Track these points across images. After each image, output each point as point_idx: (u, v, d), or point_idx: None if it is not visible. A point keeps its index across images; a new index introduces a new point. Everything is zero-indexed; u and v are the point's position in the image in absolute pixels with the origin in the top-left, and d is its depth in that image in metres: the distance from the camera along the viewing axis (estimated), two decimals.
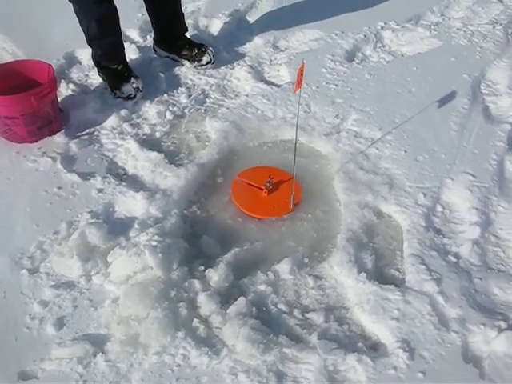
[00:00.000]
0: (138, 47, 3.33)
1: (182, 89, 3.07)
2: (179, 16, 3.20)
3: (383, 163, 2.59)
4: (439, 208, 2.40)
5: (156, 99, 2.97)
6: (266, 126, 2.81)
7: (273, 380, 1.79)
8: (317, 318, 2.00)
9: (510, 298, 2.06)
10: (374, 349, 1.93)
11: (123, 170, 2.59)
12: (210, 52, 3.15)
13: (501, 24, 3.57)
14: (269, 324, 1.97)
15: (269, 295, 2.07)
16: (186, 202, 2.44)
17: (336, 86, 3.06)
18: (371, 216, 2.37)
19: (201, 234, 2.31)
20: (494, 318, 1.97)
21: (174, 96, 3.02)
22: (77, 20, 2.87)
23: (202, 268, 2.14)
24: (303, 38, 3.49)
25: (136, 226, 2.26)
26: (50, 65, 2.76)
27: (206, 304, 1.99)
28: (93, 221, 2.28)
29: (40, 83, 2.68)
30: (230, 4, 3.72)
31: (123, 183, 2.48)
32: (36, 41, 3.35)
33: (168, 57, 3.28)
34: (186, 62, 3.22)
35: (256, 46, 3.42)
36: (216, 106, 2.96)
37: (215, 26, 3.58)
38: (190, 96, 3.02)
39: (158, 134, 2.79)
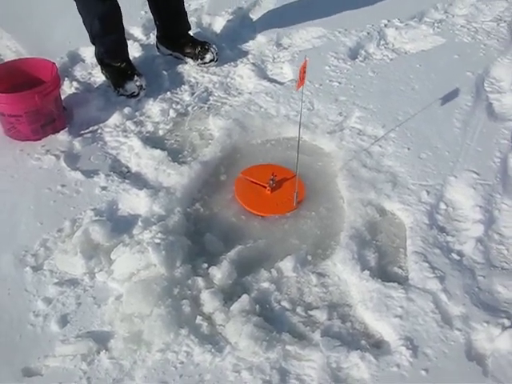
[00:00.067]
0: (141, 45, 3.34)
1: (185, 87, 3.07)
2: (182, 14, 3.20)
3: (386, 161, 2.58)
4: (442, 206, 2.39)
5: (159, 97, 2.98)
6: (269, 124, 2.81)
7: (276, 377, 1.79)
8: (320, 316, 2.00)
9: None
10: (377, 346, 1.93)
11: (126, 167, 2.60)
12: (213, 50, 3.15)
13: (505, 21, 3.55)
14: (272, 321, 1.97)
15: (272, 293, 2.07)
16: (189, 199, 2.45)
17: (339, 83, 3.05)
18: (374, 213, 2.37)
19: (204, 232, 2.31)
20: (497, 315, 1.97)
21: (177, 94, 3.03)
22: (80, 18, 2.88)
23: (206, 265, 2.14)
24: (306, 35, 3.49)
25: (139, 223, 2.26)
26: (54, 63, 2.76)
27: (209, 301, 1.99)
28: (96, 218, 2.28)
29: (43, 81, 2.69)
30: (233, 2, 3.71)
31: (126, 181, 2.48)
32: (39, 39, 3.35)
33: (171, 55, 3.28)
34: (189, 60, 3.22)
35: (259, 43, 3.42)
36: (219, 104, 2.96)
37: (218, 24, 3.57)
38: (193, 94, 3.03)
39: (161, 132, 2.79)
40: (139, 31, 3.47)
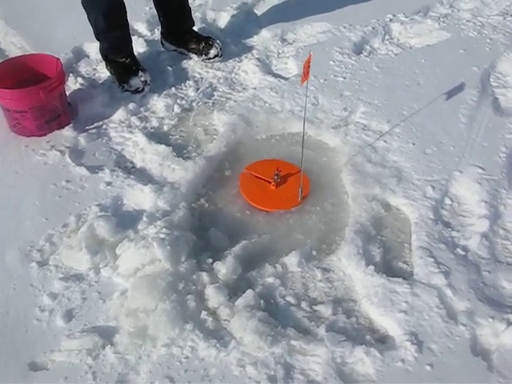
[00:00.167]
0: (145, 41, 3.34)
1: (190, 82, 3.07)
2: (186, 10, 3.20)
3: (391, 156, 2.58)
4: (448, 201, 2.39)
5: (164, 92, 2.98)
6: (273, 119, 2.81)
7: (280, 372, 1.79)
8: (325, 311, 2.00)
9: None
10: (382, 341, 1.93)
11: (131, 163, 2.60)
12: (217, 45, 3.15)
13: (511, 15, 3.54)
14: (277, 316, 1.97)
15: (277, 288, 2.07)
16: (194, 194, 2.45)
17: (344, 78, 3.05)
18: (379, 209, 2.36)
19: (209, 227, 2.31)
20: (502, 311, 1.97)
21: (181, 89, 3.03)
22: (85, 14, 2.88)
23: (210, 261, 2.14)
24: (311, 30, 3.48)
25: (144, 218, 2.27)
26: (58, 58, 2.77)
27: (214, 296, 2.00)
28: (101, 214, 2.29)
29: (48, 77, 2.69)
30: None
31: (131, 176, 2.48)
32: (44, 35, 3.36)
33: (175, 50, 3.28)
34: (194, 56, 3.22)
35: (264, 39, 3.42)
36: (224, 99, 2.96)
37: (223, 20, 3.57)
38: (197, 89, 3.02)
39: (165, 128, 2.80)
40: (144, 27, 3.48)
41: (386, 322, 1.97)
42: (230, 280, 2.08)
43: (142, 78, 2.93)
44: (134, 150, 2.64)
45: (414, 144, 2.63)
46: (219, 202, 2.45)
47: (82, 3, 2.83)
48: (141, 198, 2.39)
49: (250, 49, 3.32)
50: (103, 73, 3.11)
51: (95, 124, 2.80)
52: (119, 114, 2.83)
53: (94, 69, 3.16)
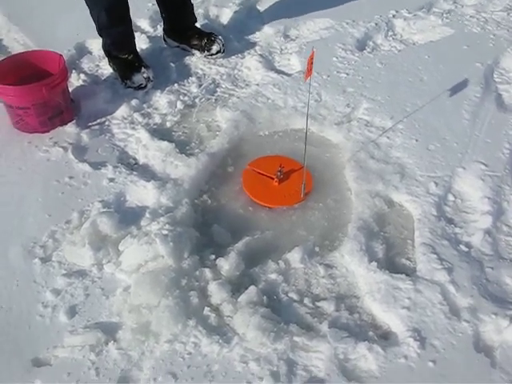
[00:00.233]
0: (148, 37, 3.33)
1: (193, 78, 3.07)
2: (188, 6, 3.19)
3: (394, 152, 2.57)
4: (451, 197, 2.38)
5: (167, 89, 2.98)
6: (276, 115, 2.81)
7: (283, 368, 1.80)
8: (327, 307, 2.00)
9: None
10: (385, 338, 1.93)
11: (134, 159, 2.60)
12: (219, 41, 3.15)
13: None
14: (279, 312, 1.97)
15: (280, 284, 2.07)
16: (196, 191, 2.45)
17: (347, 74, 3.04)
18: (382, 205, 2.36)
19: (212, 223, 2.31)
20: (505, 307, 1.96)
21: (184, 86, 3.02)
22: (87, 10, 2.88)
23: (213, 257, 2.14)
24: (314, 26, 3.48)
25: (147, 215, 2.27)
26: (61, 55, 2.77)
27: (216, 292, 2.00)
28: (104, 210, 2.29)
29: (51, 73, 2.69)
30: None
31: (134, 173, 2.48)
32: (47, 31, 3.36)
33: (178, 47, 3.28)
34: (196, 52, 3.21)
35: (266, 35, 3.41)
36: (226, 96, 2.96)
37: (225, 16, 3.57)
38: (200, 86, 3.02)
39: (168, 124, 2.79)
40: (146, 23, 3.47)
41: (389, 318, 1.97)
42: (232, 276, 2.08)
43: (145, 75, 2.93)
44: (137, 146, 2.64)
45: (417, 140, 2.62)
46: (222, 199, 2.45)
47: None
48: (144, 194, 2.39)
49: (252, 45, 3.32)
50: (106, 69, 3.10)
51: (98, 120, 2.80)
52: (122, 111, 2.83)
53: (97, 65, 3.16)
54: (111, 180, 2.45)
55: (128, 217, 2.28)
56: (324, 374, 1.79)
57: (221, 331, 1.91)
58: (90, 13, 2.88)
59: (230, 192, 2.48)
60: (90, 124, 2.78)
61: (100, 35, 2.98)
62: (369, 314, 2.01)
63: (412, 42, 3.33)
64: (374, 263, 2.10)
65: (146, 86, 2.94)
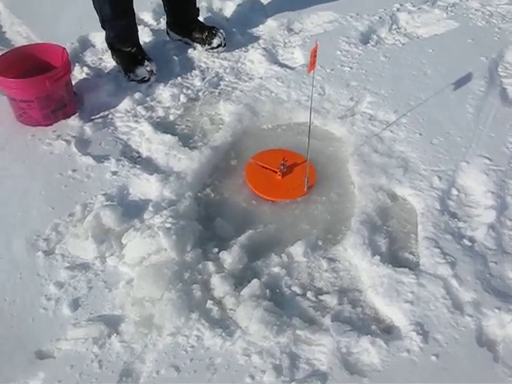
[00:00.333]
0: (151, 30, 3.33)
1: (196, 72, 3.06)
2: (190, 0, 3.18)
3: (398, 146, 2.57)
4: (454, 191, 2.38)
5: (170, 82, 2.97)
6: (280, 109, 2.80)
7: (286, 361, 1.80)
8: (330, 301, 2.00)
9: None
10: (388, 331, 1.92)
11: (137, 152, 2.60)
12: (220, 35, 3.13)
13: None
14: (282, 306, 1.97)
15: (282, 277, 2.07)
16: (199, 184, 2.45)
17: (351, 68, 3.03)
18: (385, 199, 2.35)
19: (215, 217, 2.31)
20: (508, 301, 1.96)
21: (187, 79, 3.02)
22: (91, 3, 2.87)
23: (216, 250, 2.14)
24: (318, 20, 3.46)
25: (150, 208, 2.27)
26: (64, 48, 2.76)
27: (219, 286, 2.00)
28: (107, 203, 2.29)
29: (54, 66, 2.69)
30: None
31: (137, 166, 2.48)
32: (50, 24, 3.35)
33: (181, 40, 3.27)
34: (198, 46, 3.20)
35: (270, 28, 3.40)
36: (230, 89, 2.95)
37: (229, 9, 3.55)
38: (203, 79, 3.02)
39: (171, 117, 2.79)
40: (149, 16, 3.46)
41: (392, 312, 1.97)
42: (235, 269, 2.08)
43: (148, 68, 2.92)
44: (140, 139, 2.64)
45: (420, 134, 2.62)
46: (225, 192, 2.45)
47: None
48: (147, 187, 2.39)
49: (256, 38, 3.31)
50: (109, 62, 3.10)
51: (101, 113, 2.80)
52: (125, 104, 2.83)
53: (100, 58, 3.15)
54: (114, 173, 2.45)
55: (131, 210, 2.28)
56: (326, 368, 1.79)
57: (223, 324, 1.91)
58: (94, 5, 2.88)
59: (233, 185, 2.48)
60: (93, 117, 2.77)
61: (103, 28, 2.97)
62: (372, 307, 2.01)
63: (416, 36, 3.32)
64: (377, 257, 2.10)
65: (149, 79, 2.94)
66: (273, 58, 3.14)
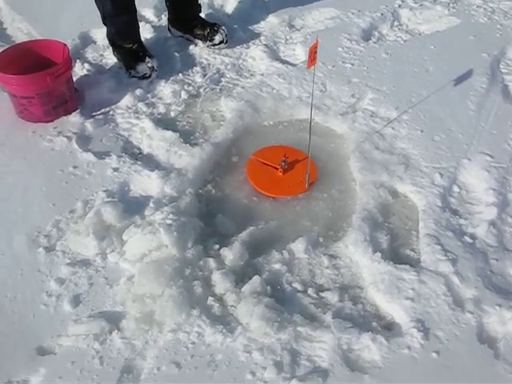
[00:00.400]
0: (152, 26, 3.32)
1: (197, 68, 3.06)
2: None
3: (399, 143, 2.56)
4: (456, 188, 2.38)
5: (171, 78, 2.97)
6: (281, 106, 2.80)
7: (287, 358, 1.80)
8: (331, 297, 2.00)
9: None
10: (389, 328, 1.93)
11: (138, 149, 2.60)
12: (222, 31, 3.13)
13: None
14: (283, 303, 1.97)
15: (283, 274, 2.07)
16: (201, 181, 2.45)
17: (352, 65, 3.03)
18: (387, 196, 2.35)
19: (216, 213, 2.31)
20: (509, 299, 1.96)
21: (189, 75, 3.01)
22: (92, 0, 2.86)
23: (217, 247, 2.14)
24: (319, 16, 3.46)
25: (151, 204, 2.27)
26: (65, 44, 2.75)
27: (220, 282, 2.00)
28: (108, 200, 2.29)
29: (55, 63, 2.68)
30: None
31: (138, 162, 2.48)
32: (51, 21, 3.35)
33: (182, 37, 3.26)
34: (199, 42, 3.20)
35: (271, 24, 3.39)
36: (231, 86, 2.95)
37: (230, 5, 3.55)
38: (205, 75, 3.01)
39: (173, 114, 2.79)
40: (151, 13, 3.46)
41: (393, 308, 1.97)
42: (236, 266, 2.08)
43: (149, 64, 2.92)
44: (141, 136, 2.64)
45: (422, 131, 2.61)
46: (226, 189, 2.45)
47: None
48: (148, 183, 2.39)
49: (257, 35, 3.30)
50: (110, 59, 3.10)
51: (102, 110, 2.79)
52: (126, 100, 2.83)
53: (101, 55, 3.15)
54: (115, 170, 2.45)
55: (132, 206, 2.28)
56: (327, 365, 1.79)
57: (224, 321, 1.91)
58: (95, 1, 2.87)
59: (235, 182, 2.48)
60: (94, 113, 2.77)
61: (104, 24, 2.96)
62: (372, 304, 2.01)
63: (418, 32, 3.31)
64: (378, 254, 2.10)
65: (150, 76, 2.93)
66: (274, 55, 3.13)
